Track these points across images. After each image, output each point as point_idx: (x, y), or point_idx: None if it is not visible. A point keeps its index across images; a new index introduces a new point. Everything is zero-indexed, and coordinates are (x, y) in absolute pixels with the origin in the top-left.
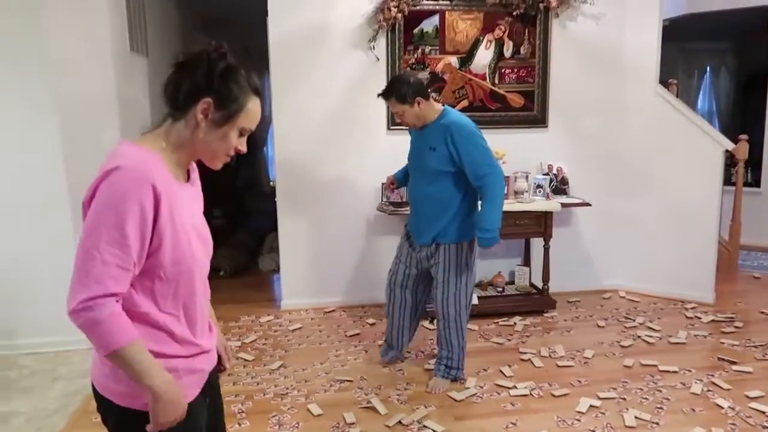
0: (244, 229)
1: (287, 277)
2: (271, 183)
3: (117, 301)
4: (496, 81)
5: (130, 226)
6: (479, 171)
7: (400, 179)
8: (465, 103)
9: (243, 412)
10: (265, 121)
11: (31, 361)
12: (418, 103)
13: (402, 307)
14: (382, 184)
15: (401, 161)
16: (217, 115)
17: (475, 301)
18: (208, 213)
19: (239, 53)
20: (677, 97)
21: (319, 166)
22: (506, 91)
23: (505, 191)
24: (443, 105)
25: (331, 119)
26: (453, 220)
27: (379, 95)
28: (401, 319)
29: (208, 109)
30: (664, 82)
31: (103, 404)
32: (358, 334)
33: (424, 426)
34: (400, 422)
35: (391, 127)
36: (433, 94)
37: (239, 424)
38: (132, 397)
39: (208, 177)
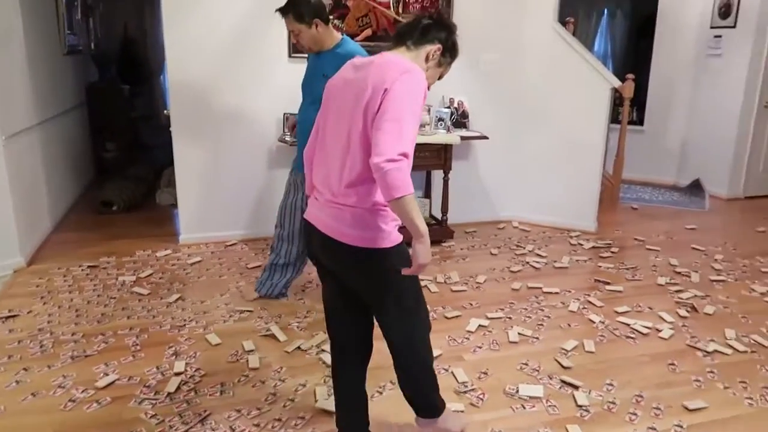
0: (140, 162)
1: (185, 211)
2: (166, 112)
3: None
4: (401, 10)
5: (419, 110)
6: None
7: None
8: (368, 31)
9: (137, 344)
10: (161, 47)
11: None
12: (316, 25)
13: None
14: (285, 115)
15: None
16: (439, 58)
17: None
18: (100, 145)
19: None
20: (574, 35)
21: (216, 95)
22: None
23: None
24: (343, 35)
25: (229, 45)
26: None
27: (276, 10)
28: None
29: (437, 52)
30: (562, 21)
31: (361, 257)
32: (259, 266)
33: (323, 350)
34: (299, 348)
35: (293, 55)
36: (336, 21)
37: (133, 357)
38: (389, 238)
39: (99, 108)
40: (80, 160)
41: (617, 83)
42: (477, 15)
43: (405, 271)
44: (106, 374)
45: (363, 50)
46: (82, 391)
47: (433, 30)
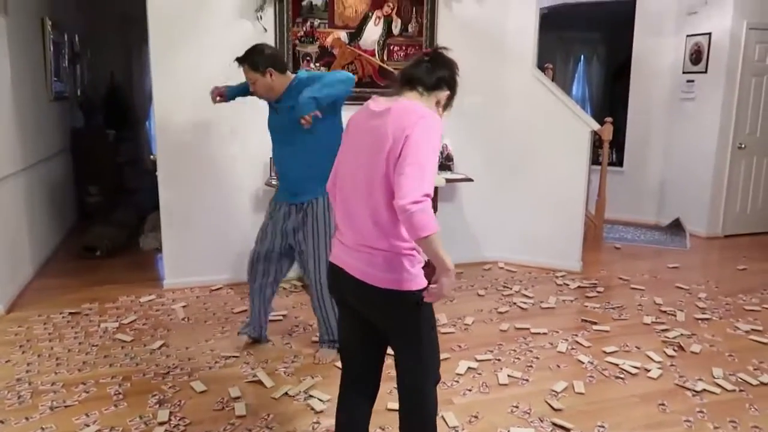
0: (123, 207)
1: (170, 255)
2: (152, 157)
3: None
4: (385, 57)
5: (437, 152)
6: (326, 82)
7: (231, 92)
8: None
9: (120, 393)
10: (146, 94)
11: None
12: (270, 74)
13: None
14: (271, 159)
15: None
16: (446, 102)
17: None
18: (83, 190)
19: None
20: (553, 80)
21: (202, 140)
22: (395, 68)
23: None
24: (297, 72)
25: None
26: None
27: (235, 59)
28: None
29: (446, 98)
30: (541, 67)
31: (392, 299)
32: (245, 311)
33: (311, 396)
34: (286, 393)
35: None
36: (323, 69)
37: (116, 406)
38: (416, 281)
39: (84, 152)
40: (63, 205)
41: (596, 126)
42: (459, 60)
43: (427, 298)
44: (87, 425)
45: (312, 72)
46: None
47: (441, 74)
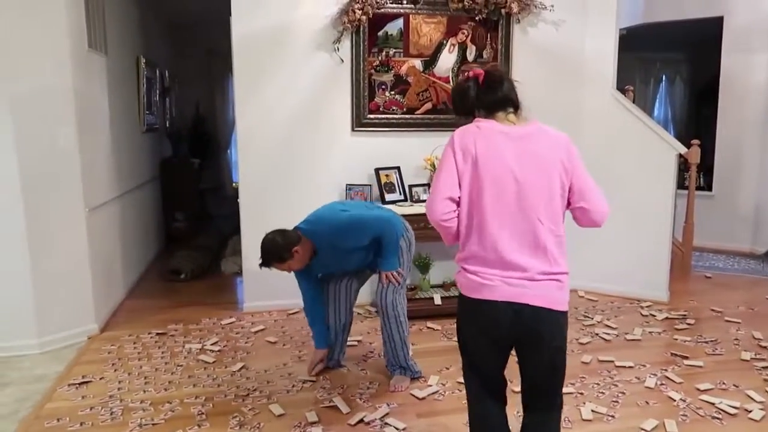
0: (206, 232)
1: (250, 280)
2: (234, 185)
3: None
4: None
5: None
6: (377, 234)
7: (323, 341)
8: (429, 105)
9: (203, 413)
10: (229, 124)
11: None
12: (296, 252)
13: (337, 305)
14: (346, 186)
15: (366, 162)
16: None
17: (438, 301)
18: (169, 216)
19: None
20: (633, 103)
21: (282, 168)
22: None
23: (402, 225)
24: (296, 230)
25: (296, 121)
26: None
27: (260, 266)
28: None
29: None
30: (621, 89)
31: (561, 322)
32: None
33: (386, 423)
34: (362, 420)
35: (356, 129)
36: (397, 96)
37: (198, 426)
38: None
39: (171, 180)
40: (152, 230)
41: (683, 149)
42: (536, 82)
43: None
44: None
45: (326, 218)
46: None
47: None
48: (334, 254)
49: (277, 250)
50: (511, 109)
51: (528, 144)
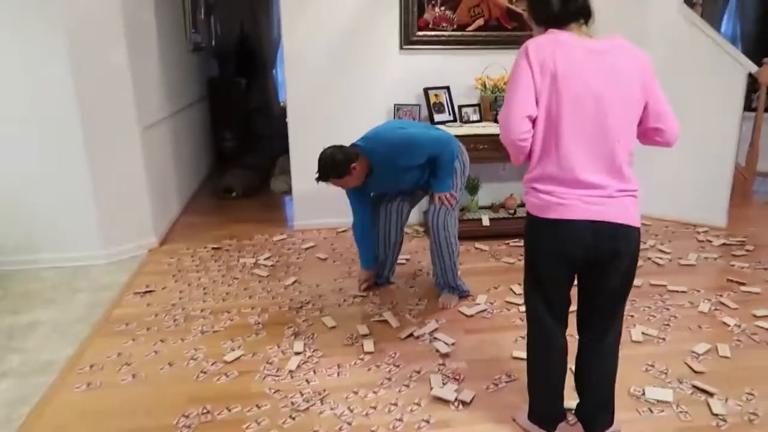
0: (255, 151)
1: (299, 198)
2: (282, 104)
3: None
4: None
5: None
6: (433, 155)
7: (370, 263)
8: (480, 21)
9: (259, 323)
10: (273, 43)
11: (53, 275)
12: (354, 168)
13: (388, 224)
14: (395, 106)
15: (414, 81)
16: None
17: (486, 223)
18: (218, 135)
19: None
20: (702, 17)
21: (330, 88)
22: (524, 9)
23: (457, 148)
24: (354, 147)
25: (343, 39)
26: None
27: (316, 180)
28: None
29: None
30: (688, 2)
31: (636, 239)
32: None
33: (436, 338)
34: (411, 335)
35: (404, 47)
36: (448, 12)
37: (256, 334)
38: None
39: (219, 100)
40: (203, 149)
41: (753, 68)
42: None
43: None
44: (233, 349)
45: (384, 134)
46: (212, 364)
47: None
48: (390, 173)
49: (335, 165)
50: (583, 20)
51: (608, 60)
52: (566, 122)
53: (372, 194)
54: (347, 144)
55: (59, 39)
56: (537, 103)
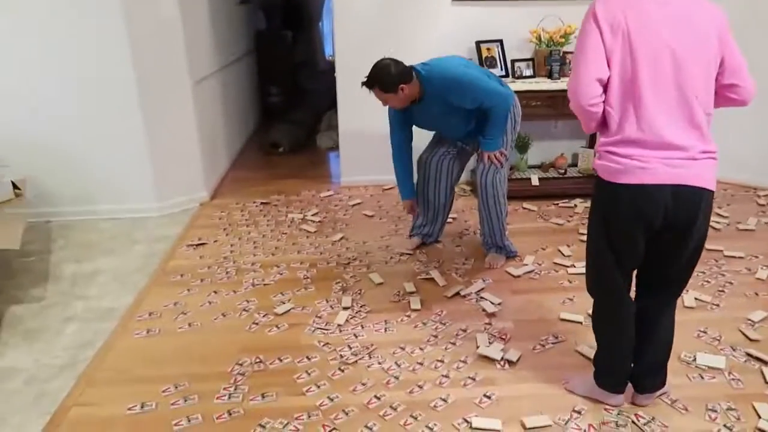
0: (301, 107)
1: (346, 154)
2: (329, 58)
3: None
4: None
5: None
6: (486, 106)
7: (409, 193)
8: None
9: (308, 277)
10: None
11: (111, 226)
12: (402, 89)
13: (438, 184)
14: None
15: (466, 34)
16: None
17: (535, 182)
18: (265, 90)
19: None
20: None
21: (380, 41)
22: None
23: (512, 105)
24: (412, 69)
25: None
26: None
27: (362, 84)
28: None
29: None
30: None
31: (711, 204)
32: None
33: (482, 297)
34: (458, 293)
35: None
36: None
37: (305, 288)
38: None
39: (266, 54)
40: (250, 104)
41: None
42: None
43: None
44: (283, 302)
45: (445, 65)
46: (264, 316)
47: None
48: (437, 108)
49: (385, 78)
50: None
51: (682, 13)
52: (644, 81)
53: (413, 126)
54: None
55: None
56: (609, 64)
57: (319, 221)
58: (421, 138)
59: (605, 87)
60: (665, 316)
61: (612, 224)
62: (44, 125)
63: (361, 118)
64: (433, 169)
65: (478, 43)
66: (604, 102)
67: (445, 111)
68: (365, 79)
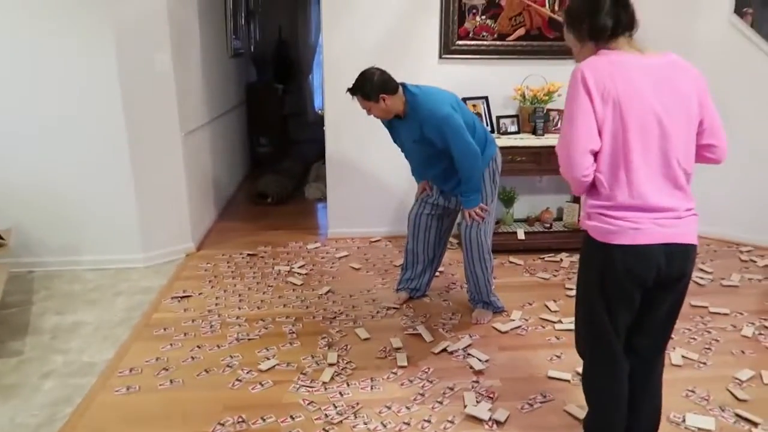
0: (289, 157)
1: (333, 206)
2: (319, 111)
3: None
4: (556, 8)
5: None
6: (453, 154)
7: (422, 174)
8: (521, 31)
9: (293, 332)
10: (310, 48)
11: (95, 276)
12: (383, 99)
13: (427, 240)
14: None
15: (452, 91)
16: None
17: (521, 236)
18: (254, 140)
19: None
20: (752, 27)
21: None
22: (558, 14)
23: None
24: (401, 86)
25: (382, 47)
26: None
27: (347, 90)
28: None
29: None
30: (739, 12)
31: (694, 254)
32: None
33: (469, 354)
34: (445, 350)
35: (444, 56)
36: (489, 21)
37: (290, 344)
38: None
39: (256, 106)
40: (239, 154)
41: None
42: (641, 10)
43: None
44: (268, 358)
45: (432, 96)
46: (247, 372)
47: None
48: (414, 133)
49: (368, 85)
50: (629, 33)
51: (665, 78)
52: (634, 148)
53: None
54: (374, 153)
55: (108, 43)
56: (600, 133)
57: (306, 274)
58: None
59: (596, 155)
60: (655, 379)
61: (608, 284)
62: (30, 175)
63: (350, 170)
64: (420, 225)
65: (464, 100)
66: (595, 170)
67: (418, 139)
68: (350, 87)
